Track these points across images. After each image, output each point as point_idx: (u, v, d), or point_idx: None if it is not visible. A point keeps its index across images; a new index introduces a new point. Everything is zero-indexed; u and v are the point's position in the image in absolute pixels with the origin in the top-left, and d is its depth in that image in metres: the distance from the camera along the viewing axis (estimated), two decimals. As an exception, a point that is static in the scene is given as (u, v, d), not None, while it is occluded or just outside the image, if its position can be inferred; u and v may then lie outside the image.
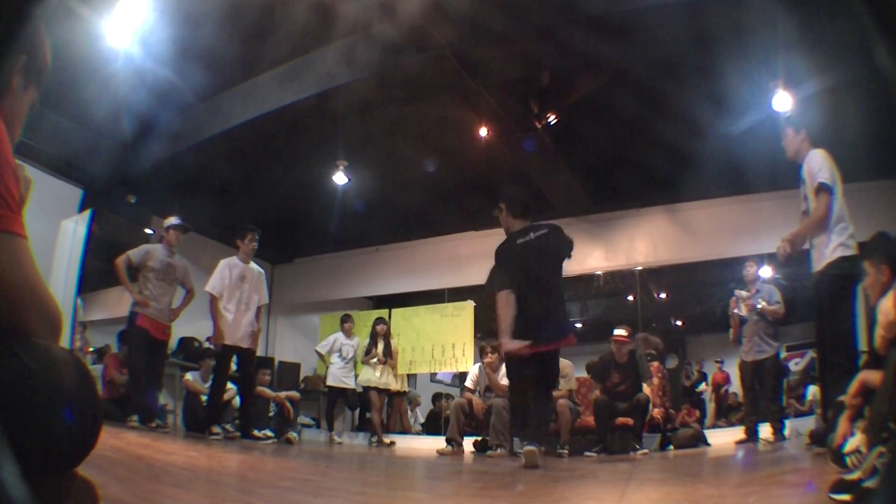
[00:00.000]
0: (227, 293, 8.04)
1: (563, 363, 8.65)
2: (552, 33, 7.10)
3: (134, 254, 7.82)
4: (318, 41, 7.71)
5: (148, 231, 8.05)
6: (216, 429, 7.84)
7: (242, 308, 8.11)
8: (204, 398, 8.84)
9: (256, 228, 8.35)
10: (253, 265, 8.39)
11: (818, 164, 5.41)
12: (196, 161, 9.22)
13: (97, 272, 7.76)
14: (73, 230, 8.67)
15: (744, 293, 8.18)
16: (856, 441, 2.82)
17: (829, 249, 5.21)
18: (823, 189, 5.28)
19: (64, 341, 1.49)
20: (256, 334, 8.33)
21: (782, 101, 7.67)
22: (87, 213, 8.82)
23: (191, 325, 10.49)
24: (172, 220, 8.11)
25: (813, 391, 10.60)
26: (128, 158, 9.21)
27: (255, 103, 8.50)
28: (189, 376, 9.23)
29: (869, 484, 2.08)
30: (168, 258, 7.99)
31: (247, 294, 8.18)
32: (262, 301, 8.40)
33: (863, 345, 5.04)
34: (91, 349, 10.03)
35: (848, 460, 2.80)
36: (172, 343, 10.20)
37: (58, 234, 8.60)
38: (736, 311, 8.15)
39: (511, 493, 3.75)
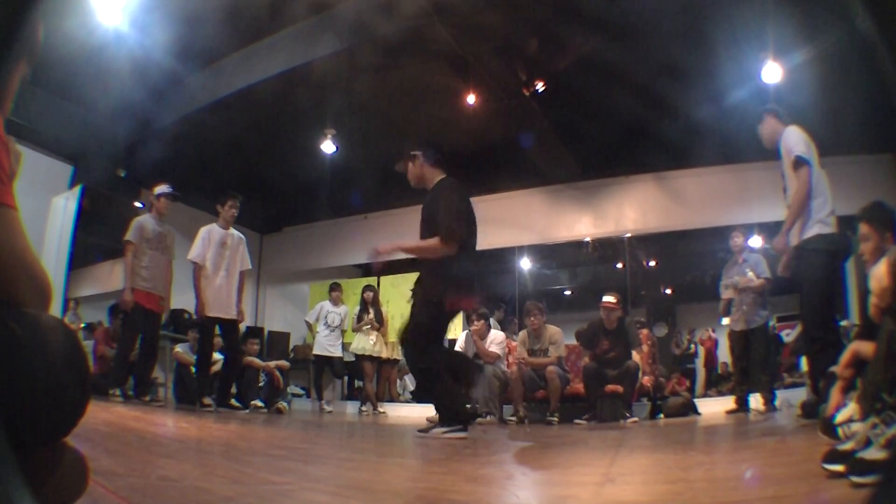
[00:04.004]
0: (209, 261, 7.95)
1: (553, 329, 8.70)
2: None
3: (132, 237, 7.67)
4: (307, 11, 7.62)
5: (138, 204, 7.95)
6: (207, 400, 7.81)
7: (223, 275, 8.01)
8: (194, 370, 8.85)
9: (237, 194, 8.22)
10: (233, 231, 8.25)
11: (793, 139, 5.41)
12: (186, 133, 9.18)
13: (88, 247, 7.67)
14: (64, 206, 8.63)
15: (735, 279, 8.16)
16: (848, 411, 2.83)
17: (808, 226, 5.21)
18: (800, 162, 5.26)
19: (54, 311, 1.49)
20: (241, 310, 8.22)
21: (772, 72, 7.65)
22: (77, 189, 8.76)
23: (180, 297, 10.45)
24: (163, 188, 8.00)
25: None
26: (118, 133, 9.15)
27: (245, 74, 8.46)
28: (179, 348, 9.21)
29: (863, 454, 2.08)
30: (159, 227, 7.91)
31: (228, 261, 8.08)
32: (245, 266, 8.30)
33: (855, 317, 5.05)
34: (82, 325, 9.99)
35: (840, 431, 2.81)
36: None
37: (49, 211, 8.56)
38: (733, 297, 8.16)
39: (501, 460, 3.76)
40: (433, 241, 5.16)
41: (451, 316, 5.51)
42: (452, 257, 5.11)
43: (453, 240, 5.11)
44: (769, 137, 5.74)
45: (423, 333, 5.22)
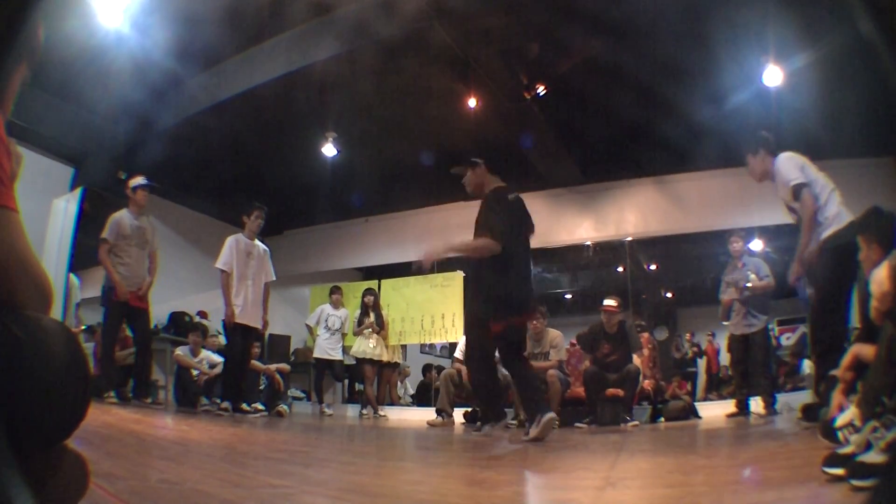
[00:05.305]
0: (236, 270, 7.95)
1: (553, 333, 8.67)
2: (541, 3, 7.08)
3: (108, 235, 7.54)
4: (308, 13, 7.63)
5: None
6: (245, 406, 7.90)
7: (249, 284, 8.03)
8: (195, 373, 8.84)
9: (263, 206, 8.24)
10: (258, 242, 8.30)
11: (785, 170, 5.33)
12: (187, 135, 9.18)
13: (89, 250, 7.63)
14: (65, 208, 8.62)
15: (735, 276, 8.13)
16: (848, 415, 2.82)
17: (822, 233, 5.14)
18: (800, 188, 5.19)
19: (55, 314, 1.49)
20: (265, 320, 8.29)
21: (773, 75, 7.65)
22: (78, 191, 8.76)
23: (181, 300, 10.45)
24: (139, 179, 7.83)
25: (808, 365, 10.61)
26: (118, 135, 9.15)
27: (246, 76, 8.46)
28: (179, 351, 9.19)
29: (863, 458, 2.08)
30: (136, 221, 7.76)
31: (254, 271, 8.10)
32: (269, 278, 8.34)
33: (855, 320, 4.99)
34: (83, 327, 9.98)
35: (840, 435, 2.80)
36: (163, 318, 10.17)
37: (49, 213, 8.55)
38: (734, 297, 8.12)
39: (502, 463, 3.75)
40: (481, 240, 5.13)
41: (501, 335, 5.17)
42: (495, 274, 5.09)
43: (498, 239, 5.06)
44: (761, 172, 5.62)
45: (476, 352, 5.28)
